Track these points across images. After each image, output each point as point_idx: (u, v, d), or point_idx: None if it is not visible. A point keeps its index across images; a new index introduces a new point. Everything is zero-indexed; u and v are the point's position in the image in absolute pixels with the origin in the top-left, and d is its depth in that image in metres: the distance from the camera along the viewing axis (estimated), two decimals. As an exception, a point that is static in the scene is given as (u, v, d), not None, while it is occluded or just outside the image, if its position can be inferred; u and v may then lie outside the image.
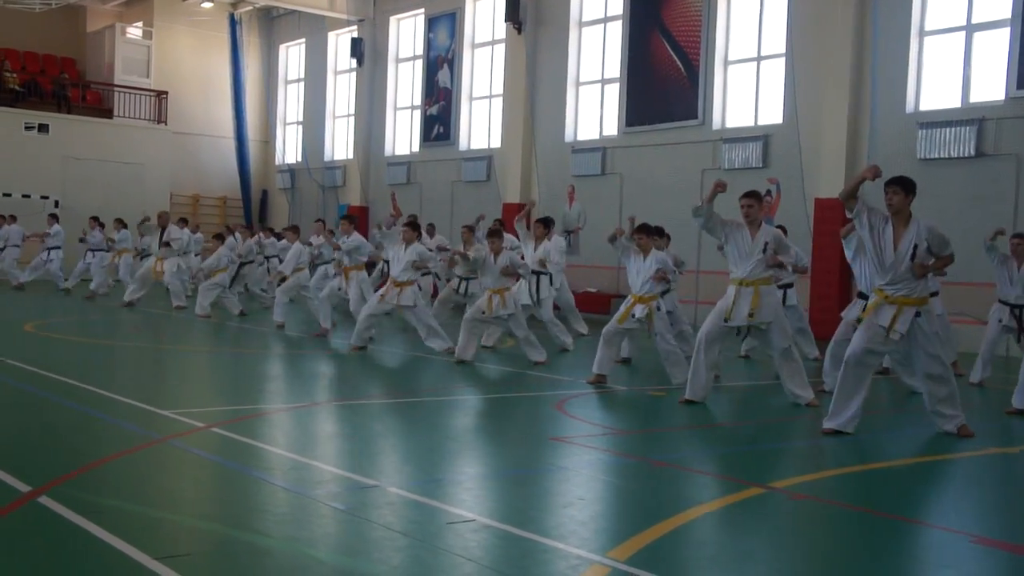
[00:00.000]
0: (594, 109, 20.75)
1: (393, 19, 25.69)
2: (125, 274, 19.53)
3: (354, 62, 26.24)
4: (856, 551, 4.65)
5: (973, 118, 14.68)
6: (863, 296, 9.36)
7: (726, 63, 18.26)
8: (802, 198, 16.54)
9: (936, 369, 7.47)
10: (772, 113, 17.48)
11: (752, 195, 8.74)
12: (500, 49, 22.61)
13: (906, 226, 7.36)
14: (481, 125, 23.45)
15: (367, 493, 5.27)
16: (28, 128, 25.72)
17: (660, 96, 18.96)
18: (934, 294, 10.43)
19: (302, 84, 29.34)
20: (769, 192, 17.01)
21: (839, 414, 7.45)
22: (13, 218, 21.60)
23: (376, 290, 12.70)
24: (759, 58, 17.86)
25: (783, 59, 17.15)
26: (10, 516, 4.61)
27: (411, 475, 5.91)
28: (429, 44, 24.38)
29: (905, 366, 8.75)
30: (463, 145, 23.53)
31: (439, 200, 23.57)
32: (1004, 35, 14.60)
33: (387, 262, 17.51)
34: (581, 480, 5.87)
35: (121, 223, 20.13)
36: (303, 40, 28.98)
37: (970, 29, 15.15)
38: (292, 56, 29.96)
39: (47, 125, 25.98)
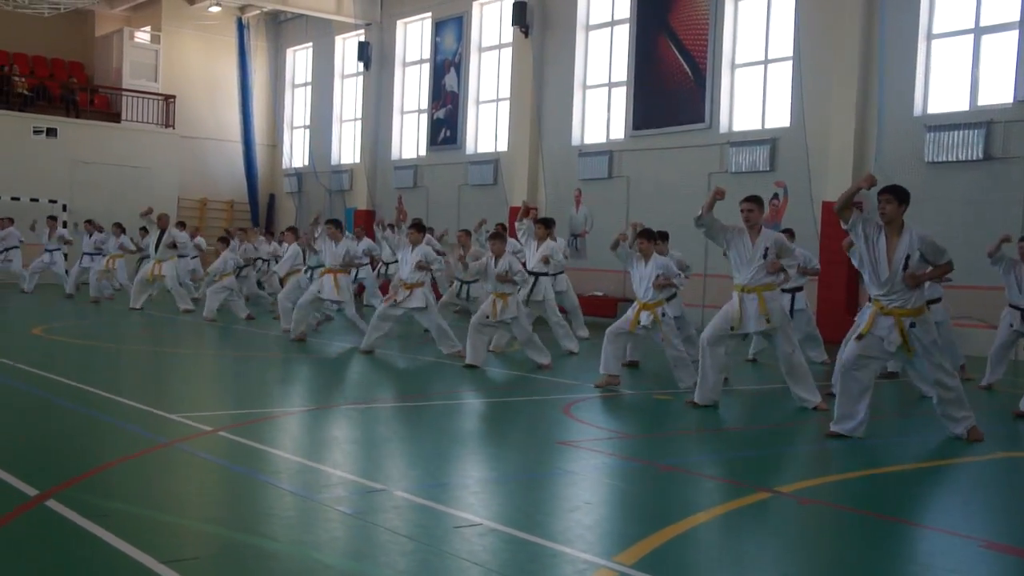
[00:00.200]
0: (601, 113, 20.74)
1: (400, 23, 25.72)
2: (124, 278, 19.54)
3: (361, 66, 26.27)
4: (864, 556, 4.62)
5: (981, 121, 14.63)
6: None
7: (733, 66, 18.23)
8: (809, 201, 16.50)
9: (941, 375, 7.43)
10: (779, 116, 17.44)
11: (753, 199, 8.67)
12: (507, 53, 22.63)
13: (899, 236, 7.24)
14: (488, 129, 23.44)
15: (374, 497, 5.27)
16: (36, 132, 25.78)
17: (667, 99, 18.93)
18: (936, 300, 10.40)
19: (309, 88, 29.40)
20: (776, 196, 16.99)
21: (846, 419, 7.41)
22: (11, 220, 21.59)
23: (383, 293, 12.67)
24: (766, 61, 17.82)
25: (790, 62, 17.11)
26: (18, 519, 4.63)
27: (418, 479, 5.91)
28: (436, 48, 24.40)
29: (913, 370, 8.71)
30: (470, 149, 23.53)
31: (446, 204, 23.57)
32: (1012, 38, 14.54)
33: (385, 263, 17.57)
34: (588, 484, 5.87)
35: (120, 228, 20.00)
36: (310, 44, 29.03)
37: (978, 32, 15.10)
38: (299, 60, 30.03)
39: (55, 129, 26.05)
